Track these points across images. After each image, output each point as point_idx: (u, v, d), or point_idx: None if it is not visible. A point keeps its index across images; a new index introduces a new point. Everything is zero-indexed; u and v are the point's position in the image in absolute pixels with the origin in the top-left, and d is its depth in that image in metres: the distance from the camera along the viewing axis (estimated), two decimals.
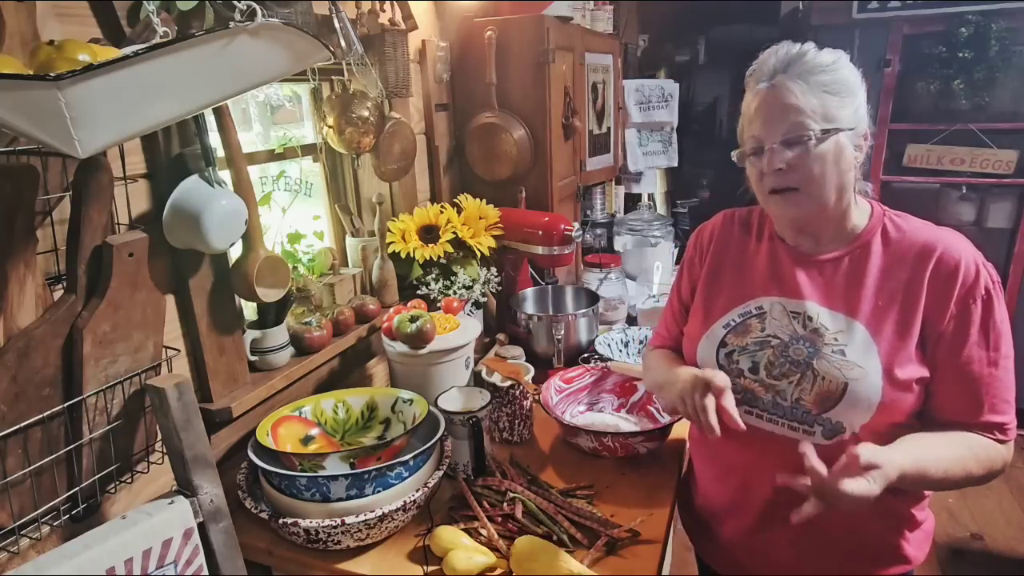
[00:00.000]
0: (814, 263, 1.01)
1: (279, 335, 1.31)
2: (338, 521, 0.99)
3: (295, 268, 1.49)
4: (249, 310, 1.36)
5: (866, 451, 0.80)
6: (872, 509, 0.94)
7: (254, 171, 1.39)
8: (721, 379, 0.93)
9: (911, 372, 0.92)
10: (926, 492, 1.02)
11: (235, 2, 0.84)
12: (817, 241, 1.01)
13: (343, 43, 1.36)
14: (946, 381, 0.94)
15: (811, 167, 0.91)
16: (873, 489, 0.80)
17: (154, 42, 0.85)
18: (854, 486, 0.79)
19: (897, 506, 0.99)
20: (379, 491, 1.04)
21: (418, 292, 1.69)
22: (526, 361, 1.59)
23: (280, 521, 1.01)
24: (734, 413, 0.90)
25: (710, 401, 0.91)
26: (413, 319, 1.34)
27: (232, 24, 0.81)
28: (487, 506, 1.12)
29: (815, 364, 0.96)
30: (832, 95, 0.91)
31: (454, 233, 1.72)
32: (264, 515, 1.03)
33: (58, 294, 0.90)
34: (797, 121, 0.91)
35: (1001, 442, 0.94)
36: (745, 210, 1.15)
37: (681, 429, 1.35)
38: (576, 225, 1.82)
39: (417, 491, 1.05)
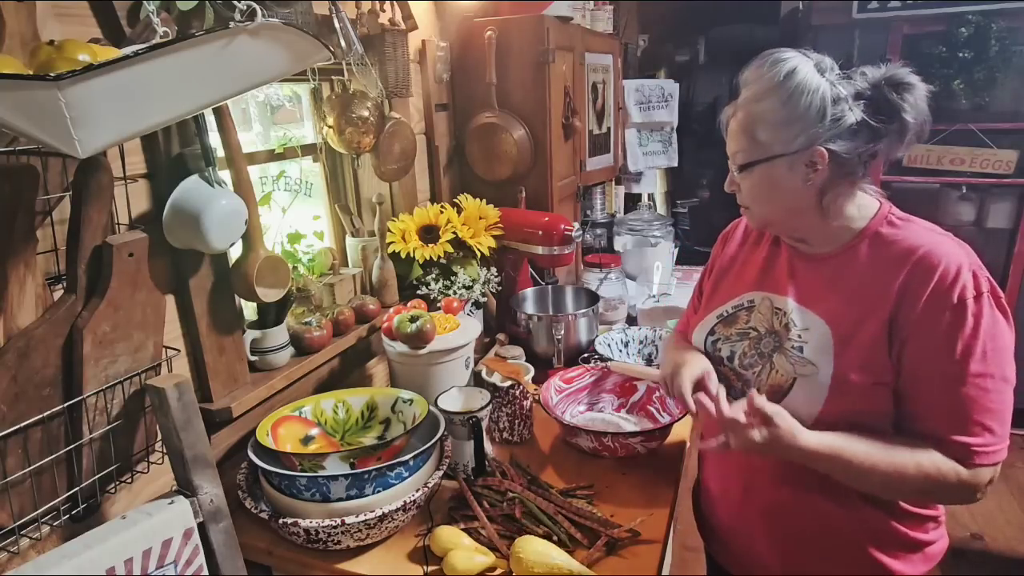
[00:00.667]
0: (804, 261, 1.02)
1: (279, 335, 1.31)
2: (338, 521, 0.99)
3: (295, 268, 1.49)
4: (249, 310, 1.36)
5: (763, 401, 0.87)
6: (854, 521, 0.96)
7: (254, 171, 1.39)
8: (699, 368, 1.03)
9: (867, 376, 0.89)
10: (933, 516, 1.00)
11: (235, 2, 0.84)
12: (808, 243, 1.01)
13: (343, 43, 1.36)
14: (911, 389, 0.89)
15: (747, 192, 0.99)
16: (754, 438, 0.87)
17: (154, 42, 0.85)
18: (740, 431, 0.87)
19: (886, 522, 0.97)
20: (379, 491, 1.04)
21: (418, 292, 1.69)
22: (526, 361, 1.59)
23: (280, 521, 1.01)
24: (703, 399, 0.95)
25: (686, 384, 1.02)
26: (413, 319, 1.34)
27: (232, 24, 0.81)
28: (487, 506, 1.12)
29: (774, 358, 0.99)
30: (773, 123, 0.91)
31: (454, 233, 1.72)
32: (264, 515, 1.03)
33: (58, 294, 0.90)
34: (733, 152, 0.98)
35: (968, 467, 0.86)
36: None
37: (681, 429, 1.35)
38: (576, 225, 1.82)
39: (417, 491, 1.05)
